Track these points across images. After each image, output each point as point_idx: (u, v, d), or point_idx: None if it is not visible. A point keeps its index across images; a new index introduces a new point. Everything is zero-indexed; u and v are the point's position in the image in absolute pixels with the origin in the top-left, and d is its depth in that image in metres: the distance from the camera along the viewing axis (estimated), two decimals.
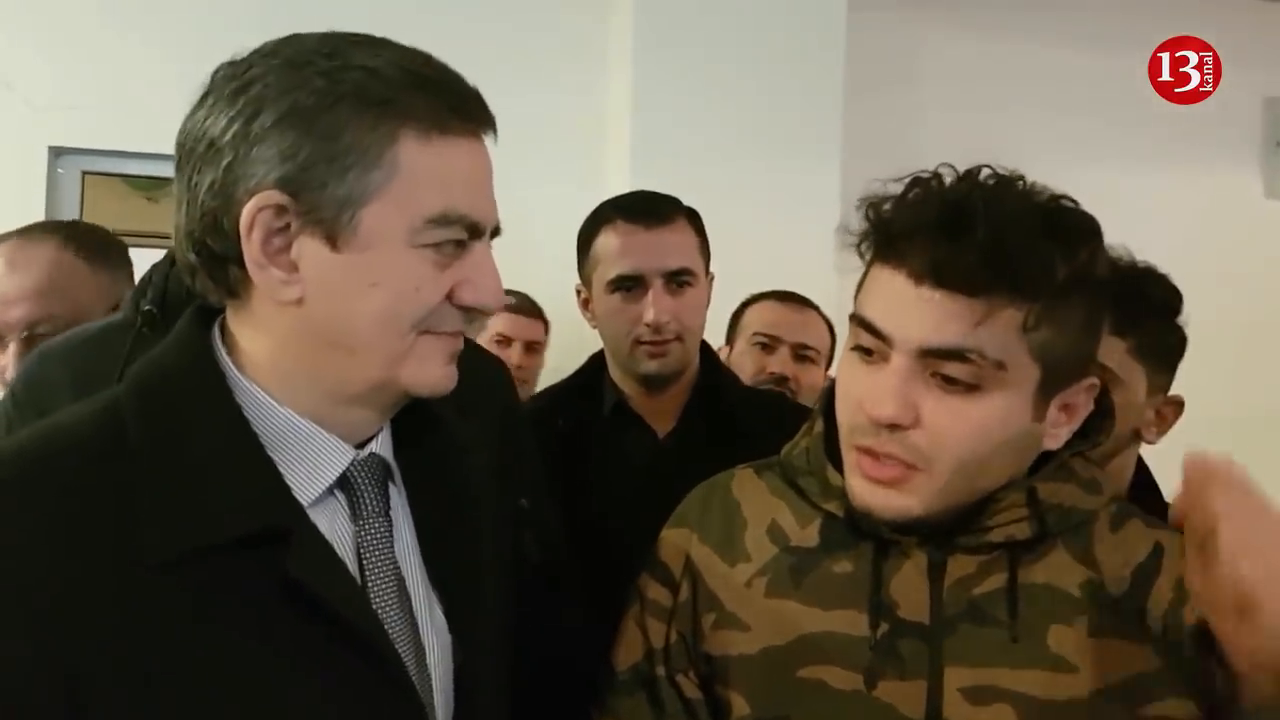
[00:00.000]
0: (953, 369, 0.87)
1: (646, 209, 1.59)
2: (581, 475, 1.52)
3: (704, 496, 1.10)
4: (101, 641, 0.71)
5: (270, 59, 0.77)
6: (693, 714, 1.03)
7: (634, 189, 1.78)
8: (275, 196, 0.75)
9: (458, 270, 0.81)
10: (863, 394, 0.92)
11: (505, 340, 2.50)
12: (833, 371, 2.22)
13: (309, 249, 0.77)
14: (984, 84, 3.30)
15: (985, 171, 0.91)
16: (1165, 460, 1.42)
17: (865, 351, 0.93)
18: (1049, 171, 0.95)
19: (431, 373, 0.83)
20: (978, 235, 0.85)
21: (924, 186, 0.91)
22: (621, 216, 1.59)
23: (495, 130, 0.84)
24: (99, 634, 0.71)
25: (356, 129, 0.76)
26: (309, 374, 0.81)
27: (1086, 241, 0.90)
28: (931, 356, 0.88)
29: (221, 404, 0.80)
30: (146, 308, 1.27)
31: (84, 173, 2.95)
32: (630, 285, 1.57)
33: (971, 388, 0.88)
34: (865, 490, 0.93)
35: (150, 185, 3.00)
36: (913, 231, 0.88)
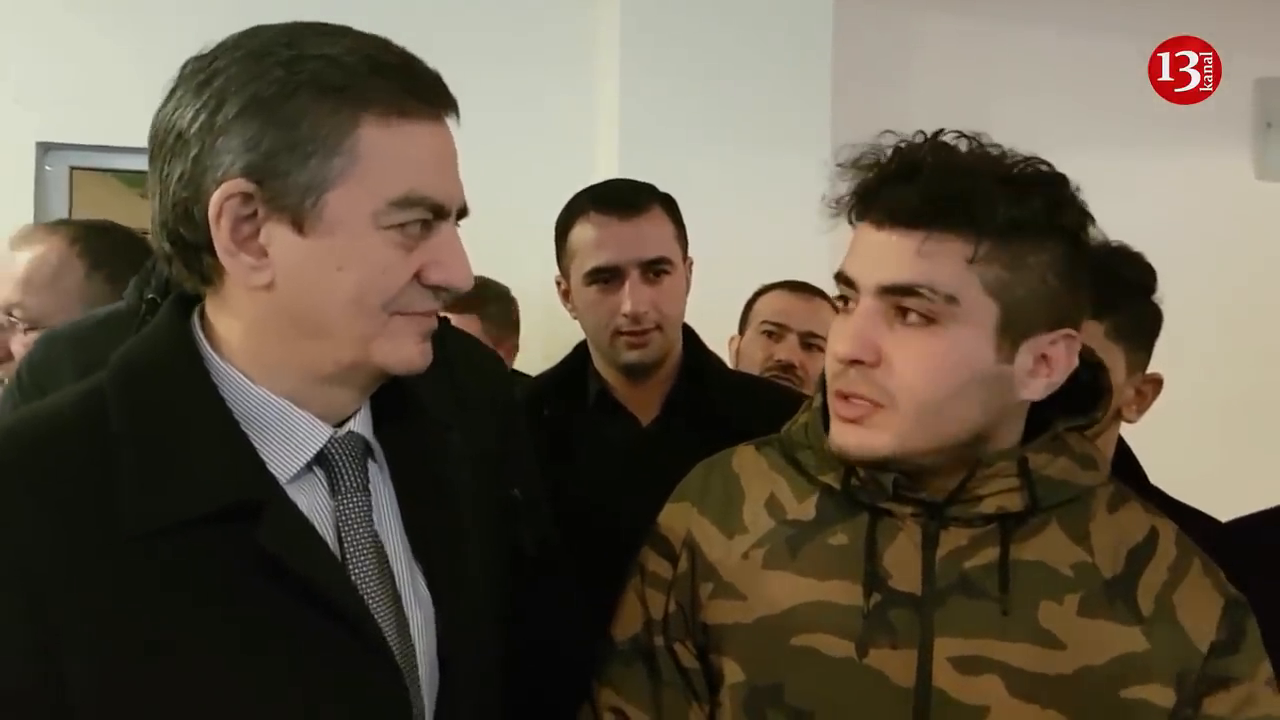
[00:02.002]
0: (909, 303, 0.92)
1: (621, 199, 1.59)
2: (567, 465, 1.52)
3: (705, 472, 1.12)
4: (83, 612, 0.74)
5: (233, 51, 0.79)
6: (689, 683, 1.05)
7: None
8: (241, 185, 0.78)
9: (424, 251, 0.83)
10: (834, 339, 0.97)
11: None
12: None
13: (277, 235, 0.79)
14: (972, 69, 3.29)
15: (951, 133, 0.96)
16: (1146, 439, 1.43)
17: (844, 303, 0.98)
18: (1039, 155, 0.96)
19: (405, 351, 0.84)
20: (923, 176, 0.92)
21: (897, 151, 0.96)
22: (596, 207, 1.59)
23: (457, 112, 0.85)
24: (81, 604, 0.74)
25: (316, 116, 0.77)
26: (284, 356, 0.83)
27: (1042, 189, 0.94)
28: (890, 294, 0.93)
29: (198, 385, 0.82)
30: (150, 296, 1.28)
31: (72, 168, 2.93)
32: (607, 277, 1.56)
33: (928, 321, 0.92)
34: (838, 431, 0.97)
35: (142, 181, 2.98)
36: (879, 185, 0.94)
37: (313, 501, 0.85)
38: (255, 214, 0.79)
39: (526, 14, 3.05)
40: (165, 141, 0.81)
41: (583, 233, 1.59)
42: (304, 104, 0.77)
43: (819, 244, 2.53)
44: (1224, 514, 1.34)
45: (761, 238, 2.62)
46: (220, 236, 0.79)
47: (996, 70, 3.30)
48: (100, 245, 1.70)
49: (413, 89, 0.81)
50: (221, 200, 0.78)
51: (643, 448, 1.57)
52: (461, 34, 2.85)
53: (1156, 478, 1.41)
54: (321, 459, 0.86)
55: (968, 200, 0.90)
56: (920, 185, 0.91)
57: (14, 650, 0.74)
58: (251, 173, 0.77)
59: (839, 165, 0.97)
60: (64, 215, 2.89)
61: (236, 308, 0.83)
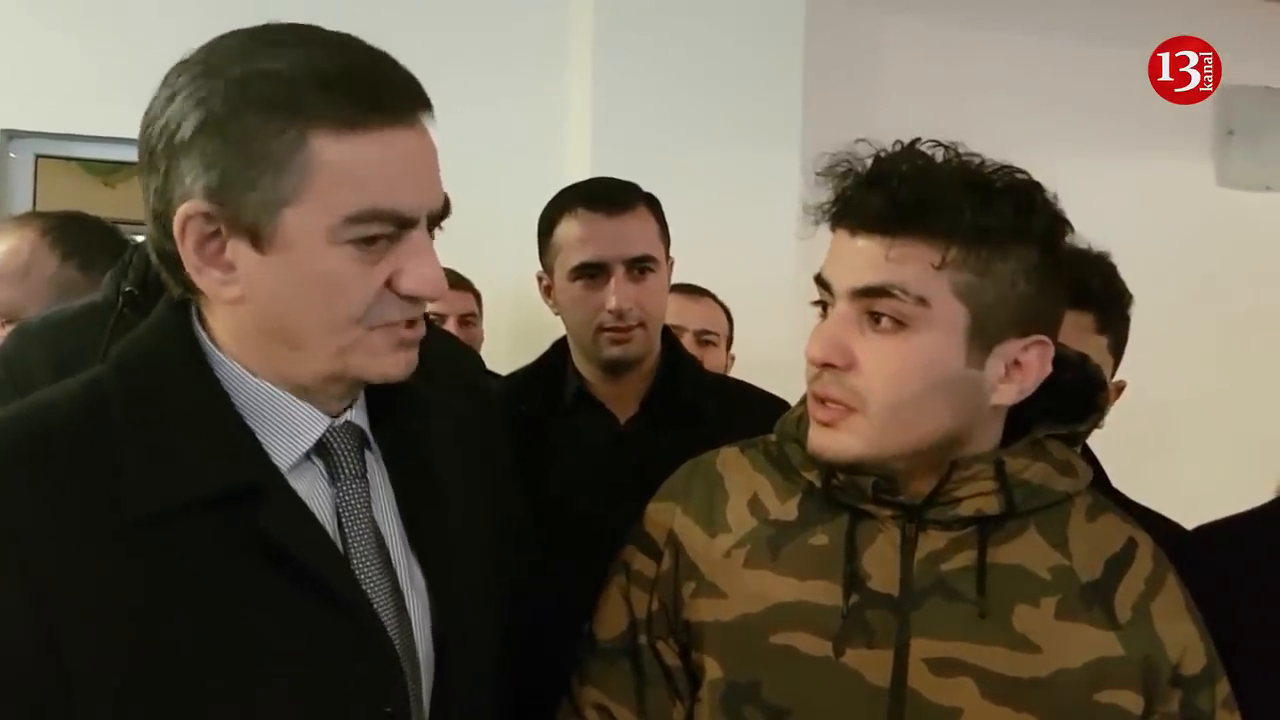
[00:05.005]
0: (881, 305, 0.94)
1: (607, 196, 1.60)
2: (544, 460, 1.53)
3: (690, 471, 1.12)
4: (84, 598, 0.75)
5: (193, 68, 0.79)
6: (671, 681, 1.05)
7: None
8: (200, 205, 0.78)
9: (393, 260, 0.81)
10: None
11: (439, 318, 2.49)
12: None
13: (240, 252, 0.80)
14: (941, 69, 3.32)
15: (928, 142, 0.97)
16: (1107, 443, 1.45)
17: (823, 308, 1.00)
18: (1004, 157, 0.98)
19: (381, 363, 0.85)
20: (893, 184, 0.93)
21: (875, 160, 0.97)
22: (582, 204, 1.60)
23: (430, 110, 0.83)
24: (82, 590, 0.75)
25: (265, 135, 0.76)
26: (267, 363, 0.84)
27: (1012, 195, 0.94)
28: (862, 297, 0.94)
29: (199, 375, 0.83)
30: (128, 289, 1.27)
31: (38, 156, 2.88)
32: (592, 273, 1.57)
33: (899, 325, 0.94)
34: (814, 434, 0.99)
35: (107, 169, 2.94)
36: (853, 192, 0.96)
37: (312, 489, 0.86)
38: (219, 231, 0.79)
39: (499, 11, 3.04)
40: (143, 157, 0.81)
41: (568, 229, 1.59)
42: (253, 123, 0.76)
43: (789, 241, 2.57)
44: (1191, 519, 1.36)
45: (732, 235, 2.64)
46: (186, 253, 0.80)
47: (966, 71, 3.33)
48: (72, 234, 1.69)
49: (367, 98, 0.78)
50: (184, 220, 0.78)
51: (621, 445, 1.59)
52: (432, 31, 2.83)
53: (1117, 481, 1.43)
54: (320, 448, 0.87)
55: (934, 206, 0.91)
56: (890, 191, 0.92)
57: (18, 638, 0.74)
58: (210, 193, 0.78)
59: (818, 175, 0.97)
60: (29, 204, 2.85)
61: (218, 314, 0.84)
